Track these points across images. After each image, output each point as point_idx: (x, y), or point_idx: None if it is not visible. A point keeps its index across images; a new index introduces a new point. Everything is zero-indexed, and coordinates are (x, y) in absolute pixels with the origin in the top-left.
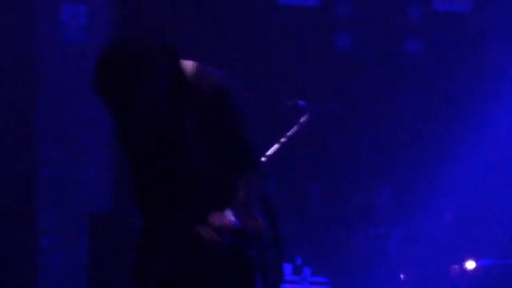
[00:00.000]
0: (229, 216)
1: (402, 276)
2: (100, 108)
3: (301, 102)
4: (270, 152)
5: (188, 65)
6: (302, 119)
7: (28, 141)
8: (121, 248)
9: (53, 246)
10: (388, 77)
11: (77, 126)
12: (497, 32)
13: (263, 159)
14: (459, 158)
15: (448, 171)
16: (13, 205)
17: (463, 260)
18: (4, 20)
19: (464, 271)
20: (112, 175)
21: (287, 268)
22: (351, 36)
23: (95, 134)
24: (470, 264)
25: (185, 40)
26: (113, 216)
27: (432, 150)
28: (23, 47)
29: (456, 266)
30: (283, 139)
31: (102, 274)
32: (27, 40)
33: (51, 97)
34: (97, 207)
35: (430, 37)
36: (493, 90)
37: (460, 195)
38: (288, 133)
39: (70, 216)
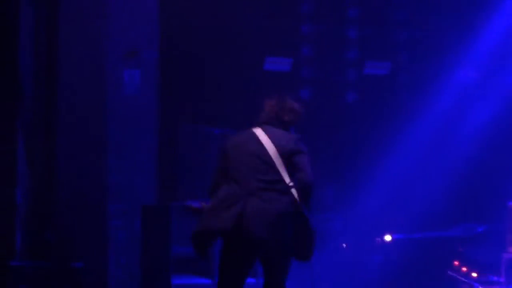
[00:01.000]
0: None
1: (344, 245)
2: None
3: None
4: None
5: None
6: None
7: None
8: (161, 230)
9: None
10: (336, 117)
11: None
12: (406, 87)
13: None
14: (382, 164)
15: (374, 172)
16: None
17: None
18: (81, 82)
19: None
20: (156, 180)
21: None
22: (311, 91)
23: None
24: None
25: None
26: (156, 207)
27: (362, 159)
28: (96, 101)
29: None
30: None
31: (151, 247)
32: (101, 95)
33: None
34: (146, 201)
35: (363, 90)
36: (405, 123)
37: (382, 188)
38: None
39: (129, 207)
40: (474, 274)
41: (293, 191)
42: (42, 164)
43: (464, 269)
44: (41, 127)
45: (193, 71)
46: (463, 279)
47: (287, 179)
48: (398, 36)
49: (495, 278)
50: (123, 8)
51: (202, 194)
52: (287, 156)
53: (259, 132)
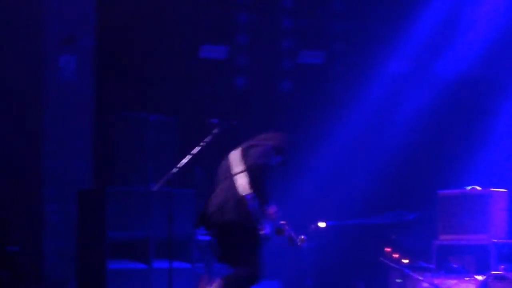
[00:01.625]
0: None
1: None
2: None
3: (214, 120)
4: (183, 161)
5: None
6: (214, 131)
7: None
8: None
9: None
10: (271, 106)
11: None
12: (340, 76)
13: (174, 170)
14: (316, 152)
15: (308, 160)
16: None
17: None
18: (17, 68)
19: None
20: (92, 166)
21: None
22: (246, 78)
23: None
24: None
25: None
26: (92, 192)
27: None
28: (32, 85)
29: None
30: (196, 150)
31: (86, 231)
32: (36, 80)
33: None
34: (82, 186)
35: (298, 79)
36: (339, 111)
37: (316, 176)
38: (202, 143)
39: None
40: (405, 261)
41: None
42: None
43: (395, 255)
44: None
45: (129, 58)
46: (394, 265)
47: None
48: (333, 26)
49: (426, 265)
50: None
51: (137, 179)
52: None
53: None
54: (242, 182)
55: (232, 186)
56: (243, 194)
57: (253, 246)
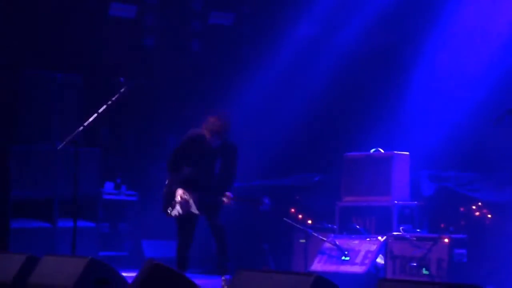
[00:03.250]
0: None
1: None
2: None
3: (121, 79)
4: (89, 120)
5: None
6: (121, 90)
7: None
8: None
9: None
10: (180, 66)
11: None
12: (250, 38)
13: (81, 128)
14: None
15: None
16: None
17: None
18: None
19: None
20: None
21: (110, 185)
22: (155, 38)
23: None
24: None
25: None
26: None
27: (203, 109)
28: None
29: None
30: (102, 109)
31: None
32: None
33: None
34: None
35: (208, 40)
36: (249, 73)
37: None
38: (109, 102)
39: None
40: (309, 221)
41: None
42: None
43: (300, 216)
44: None
45: (36, 13)
46: (298, 226)
47: None
48: None
49: (329, 225)
50: None
51: (42, 138)
52: None
53: None
54: None
55: None
56: None
57: None
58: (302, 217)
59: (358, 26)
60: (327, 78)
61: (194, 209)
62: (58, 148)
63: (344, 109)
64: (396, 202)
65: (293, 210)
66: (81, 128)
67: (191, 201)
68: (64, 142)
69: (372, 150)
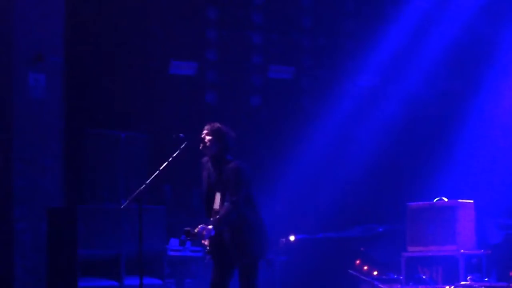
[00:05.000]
0: None
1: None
2: None
3: (181, 135)
4: (151, 178)
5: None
6: (181, 146)
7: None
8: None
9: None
10: (241, 121)
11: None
12: (309, 91)
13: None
14: (286, 166)
15: (279, 174)
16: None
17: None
18: None
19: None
20: (62, 184)
21: (175, 242)
22: (216, 95)
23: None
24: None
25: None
26: (62, 210)
27: (267, 162)
28: (1, 104)
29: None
30: (163, 166)
31: (57, 250)
32: (5, 98)
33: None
34: (52, 204)
35: (267, 95)
36: (309, 126)
37: (287, 190)
38: (170, 159)
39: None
40: (375, 273)
41: None
42: None
43: (365, 267)
44: None
45: (99, 75)
46: (364, 277)
47: None
48: (302, 41)
49: (395, 276)
50: (29, 13)
51: (108, 197)
52: None
53: None
54: None
55: None
56: None
57: None
58: (368, 268)
59: (420, 72)
60: (388, 128)
61: None
62: (122, 206)
63: (407, 159)
64: (462, 251)
65: (358, 261)
66: (144, 186)
67: None
68: (128, 201)
69: (435, 199)
